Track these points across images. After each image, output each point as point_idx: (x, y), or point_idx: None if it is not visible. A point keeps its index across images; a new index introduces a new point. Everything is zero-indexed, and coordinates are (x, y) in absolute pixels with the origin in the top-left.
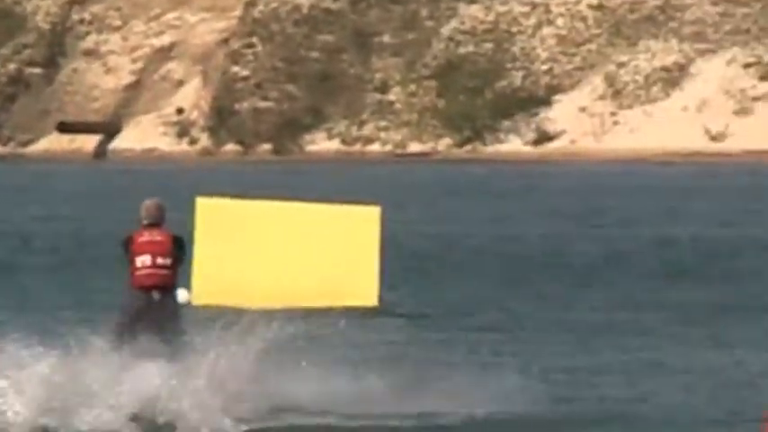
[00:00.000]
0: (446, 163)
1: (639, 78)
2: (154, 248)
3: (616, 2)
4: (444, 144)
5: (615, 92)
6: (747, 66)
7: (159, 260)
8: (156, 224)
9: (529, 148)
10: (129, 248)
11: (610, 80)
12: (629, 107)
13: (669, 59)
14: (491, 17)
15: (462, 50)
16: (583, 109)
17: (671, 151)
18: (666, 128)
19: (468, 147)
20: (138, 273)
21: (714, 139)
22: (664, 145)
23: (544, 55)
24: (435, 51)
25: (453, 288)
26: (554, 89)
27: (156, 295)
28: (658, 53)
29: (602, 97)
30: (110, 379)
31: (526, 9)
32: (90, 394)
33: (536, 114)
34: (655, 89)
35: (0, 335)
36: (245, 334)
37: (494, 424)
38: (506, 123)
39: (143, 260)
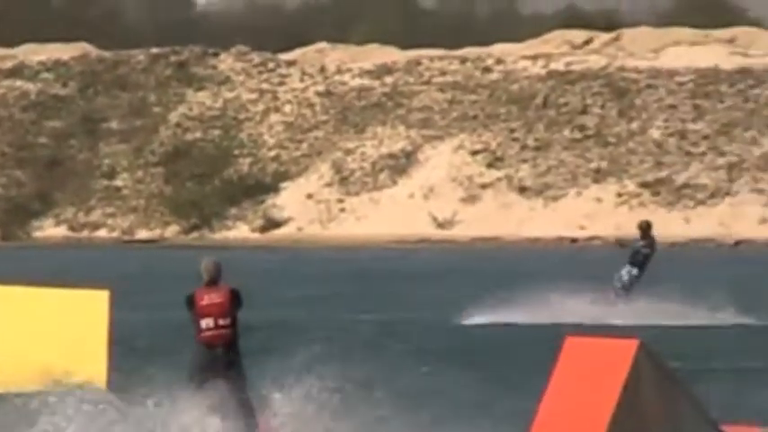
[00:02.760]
0: (173, 249)
1: (366, 165)
2: (214, 311)
3: (343, 89)
4: (172, 231)
5: (342, 179)
6: (475, 153)
7: (220, 321)
8: (214, 282)
9: (256, 235)
10: (191, 307)
11: (337, 167)
12: (357, 194)
13: (396, 146)
14: (219, 104)
15: (190, 137)
16: (310, 196)
17: (398, 239)
18: (393, 215)
19: (196, 234)
20: (203, 333)
21: (441, 226)
22: (391, 232)
23: (271, 142)
24: (163, 138)
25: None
26: (281, 176)
27: (220, 351)
28: (385, 140)
29: (329, 184)
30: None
31: (254, 96)
32: None
33: (263, 201)
34: (382, 176)
35: None
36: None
37: None
38: (234, 210)
39: (207, 323)
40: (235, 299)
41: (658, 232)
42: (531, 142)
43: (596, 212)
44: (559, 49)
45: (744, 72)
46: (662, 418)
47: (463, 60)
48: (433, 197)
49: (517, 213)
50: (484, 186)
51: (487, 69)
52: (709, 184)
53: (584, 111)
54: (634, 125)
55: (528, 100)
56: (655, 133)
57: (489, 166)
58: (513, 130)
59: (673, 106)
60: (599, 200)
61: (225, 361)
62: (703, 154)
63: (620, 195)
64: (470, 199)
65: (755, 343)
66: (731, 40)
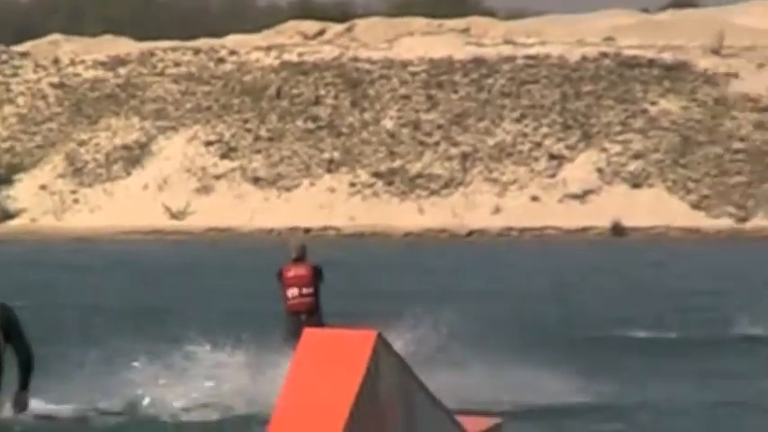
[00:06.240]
0: None
1: (100, 157)
2: (298, 282)
3: (77, 80)
4: None
5: (76, 170)
6: (208, 143)
7: (304, 290)
8: (300, 259)
9: None
10: (280, 280)
11: (71, 159)
12: (90, 186)
13: (130, 137)
14: None
15: None
16: (44, 187)
17: (132, 229)
18: (127, 206)
19: None
20: (289, 301)
21: (175, 217)
22: (124, 223)
23: (5, 134)
24: None
25: None
26: (15, 168)
27: (303, 317)
28: (119, 131)
29: (62, 176)
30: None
31: None
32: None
33: None
34: (116, 167)
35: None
36: None
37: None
38: None
39: (292, 292)
40: (317, 273)
41: (392, 223)
42: (264, 133)
43: (330, 202)
44: (292, 40)
45: (477, 62)
46: (399, 407)
47: (197, 51)
48: (166, 188)
49: (251, 204)
50: (218, 177)
51: (221, 60)
52: (443, 173)
53: (317, 101)
54: (367, 115)
55: (261, 91)
56: (388, 123)
57: (223, 156)
58: (246, 121)
59: (406, 96)
60: (332, 190)
61: (308, 325)
62: (437, 144)
63: (353, 185)
64: (204, 189)
65: None
66: (465, 30)
